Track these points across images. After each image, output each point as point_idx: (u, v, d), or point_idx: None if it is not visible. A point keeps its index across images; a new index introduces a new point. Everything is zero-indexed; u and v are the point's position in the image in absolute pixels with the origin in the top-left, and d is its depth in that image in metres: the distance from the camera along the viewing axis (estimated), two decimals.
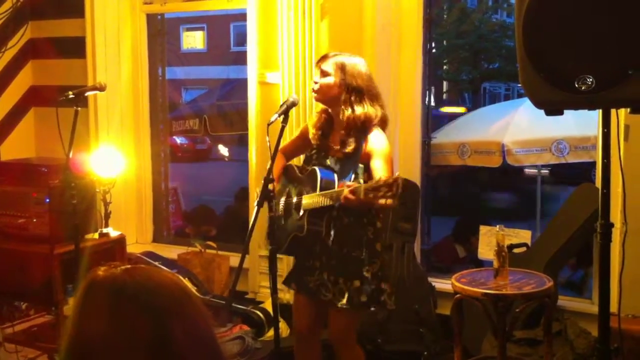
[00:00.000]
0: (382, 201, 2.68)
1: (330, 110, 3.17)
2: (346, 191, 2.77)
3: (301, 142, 3.34)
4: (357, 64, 3.11)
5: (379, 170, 2.94)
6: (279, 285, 3.21)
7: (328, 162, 3.12)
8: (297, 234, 3.10)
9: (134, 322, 1.14)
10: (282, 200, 3.27)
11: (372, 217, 3.07)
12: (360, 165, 3.01)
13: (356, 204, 2.78)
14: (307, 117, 4.08)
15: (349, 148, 3.03)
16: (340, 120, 3.09)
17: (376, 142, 3.01)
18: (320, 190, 3.00)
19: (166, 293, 1.19)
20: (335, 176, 3.03)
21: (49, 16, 5.30)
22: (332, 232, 3.06)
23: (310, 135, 3.22)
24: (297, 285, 3.25)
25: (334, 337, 3.22)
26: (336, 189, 2.95)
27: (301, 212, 3.10)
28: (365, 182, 2.83)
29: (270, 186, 2.97)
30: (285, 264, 4.26)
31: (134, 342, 1.13)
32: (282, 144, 3.19)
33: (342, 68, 3.07)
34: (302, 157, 3.43)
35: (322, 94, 3.10)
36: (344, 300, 3.04)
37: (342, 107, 3.04)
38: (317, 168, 3.07)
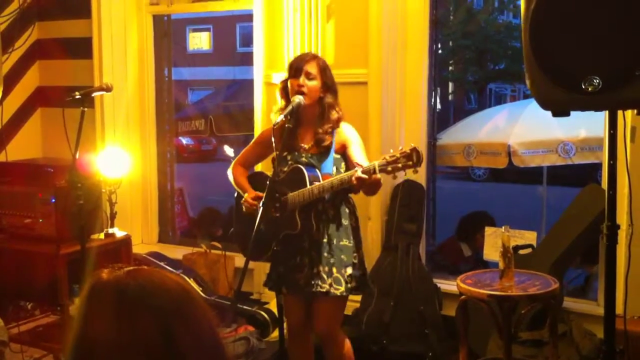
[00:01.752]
0: (398, 173, 2.83)
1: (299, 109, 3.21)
2: (359, 172, 2.85)
3: (260, 149, 3.41)
4: (328, 64, 3.25)
5: (359, 155, 3.11)
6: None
7: (304, 159, 3.18)
8: (289, 232, 3.13)
9: (138, 324, 1.14)
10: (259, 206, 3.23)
11: (351, 206, 3.22)
12: (337, 156, 3.16)
13: (367, 183, 2.89)
14: None
15: (326, 143, 3.15)
16: (311, 119, 3.19)
17: (349, 133, 3.19)
18: (310, 185, 3.05)
19: (169, 294, 1.19)
20: (317, 171, 3.12)
21: (56, 17, 5.31)
22: (321, 226, 3.13)
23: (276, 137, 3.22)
24: (287, 287, 3.28)
25: (323, 328, 3.25)
26: (340, 176, 3.02)
27: (291, 211, 3.13)
28: (345, 171, 3.06)
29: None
30: None
31: (138, 344, 1.14)
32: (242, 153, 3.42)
33: (323, 70, 3.18)
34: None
35: (310, 98, 3.15)
36: (342, 288, 3.12)
37: (329, 108, 3.15)
38: (300, 166, 3.13)
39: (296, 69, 3.16)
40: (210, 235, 6.14)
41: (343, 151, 3.17)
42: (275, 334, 4.29)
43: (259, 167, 4.00)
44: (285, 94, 3.23)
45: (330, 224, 3.15)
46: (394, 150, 2.83)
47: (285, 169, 3.18)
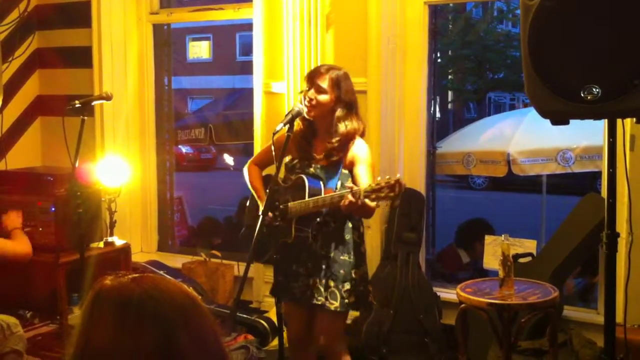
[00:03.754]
0: (380, 202, 2.84)
1: (314, 120, 3.21)
2: (350, 195, 2.84)
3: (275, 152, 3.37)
4: (348, 77, 3.20)
5: (363, 176, 3.06)
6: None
7: (312, 170, 3.19)
8: (285, 241, 3.13)
9: (141, 332, 1.14)
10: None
11: (356, 221, 3.19)
12: (345, 172, 3.14)
13: (355, 207, 2.86)
14: None
15: (335, 157, 3.13)
16: (325, 131, 3.17)
17: (359, 150, 3.14)
18: (309, 197, 3.04)
19: (174, 302, 1.19)
20: (322, 183, 3.11)
21: (56, 26, 5.32)
22: (320, 238, 3.13)
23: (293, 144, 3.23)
24: (284, 295, 3.27)
25: (322, 342, 3.25)
26: (332, 193, 3.01)
27: (289, 219, 3.12)
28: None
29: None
30: None
31: (141, 352, 1.13)
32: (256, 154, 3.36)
33: (337, 84, 3.15)
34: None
35: (318, 111, 3.15)
36: (337, 303, 3.10)
37: (337, 121, 3.13)
38: (304, 176, 3.13)
39: (309, 81, 3.18)
40: (210, 244, 6.13)
41: (351, 167, 3.14)
42: (275, 342, 4.28)
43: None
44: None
45: (330, 237, 3.14)
46: (381, 179, 2.82)
47: (293, 177, 3.19)
